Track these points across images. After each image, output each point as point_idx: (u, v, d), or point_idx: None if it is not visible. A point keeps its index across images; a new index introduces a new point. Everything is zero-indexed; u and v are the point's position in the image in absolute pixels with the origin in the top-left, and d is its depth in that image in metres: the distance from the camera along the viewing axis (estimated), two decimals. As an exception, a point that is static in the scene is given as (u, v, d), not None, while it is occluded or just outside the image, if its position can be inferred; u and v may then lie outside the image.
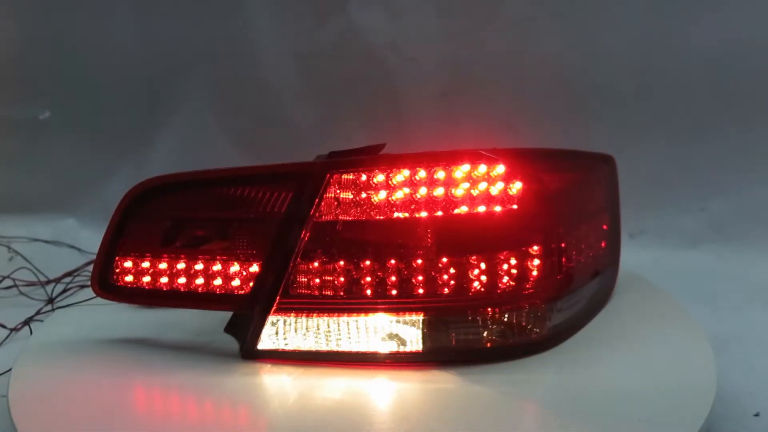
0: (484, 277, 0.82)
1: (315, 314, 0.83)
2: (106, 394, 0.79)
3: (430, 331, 0.83)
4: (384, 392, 0.79)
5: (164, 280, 0.86)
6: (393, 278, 0.82)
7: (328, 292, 0.82)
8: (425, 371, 0.81)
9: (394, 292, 0.82)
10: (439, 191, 0.80)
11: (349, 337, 0.83)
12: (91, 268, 0.89)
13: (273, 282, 0.82)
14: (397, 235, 0.81)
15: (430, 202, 0.80)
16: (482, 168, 0.80)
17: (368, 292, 0.82)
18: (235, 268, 0.84)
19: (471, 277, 0.82)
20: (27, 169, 1.67)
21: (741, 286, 1.27)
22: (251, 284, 0.83)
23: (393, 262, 0.81)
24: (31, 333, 1.05)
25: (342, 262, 0.82)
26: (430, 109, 1.47)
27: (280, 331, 0.84)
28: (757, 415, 0.88)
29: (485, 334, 0.84)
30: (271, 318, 0.83)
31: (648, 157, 1.40)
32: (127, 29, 1.55)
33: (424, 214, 0.80)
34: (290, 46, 1.50)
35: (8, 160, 1.66)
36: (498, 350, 0.84)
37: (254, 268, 0.83)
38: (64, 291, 1.23)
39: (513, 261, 0.82)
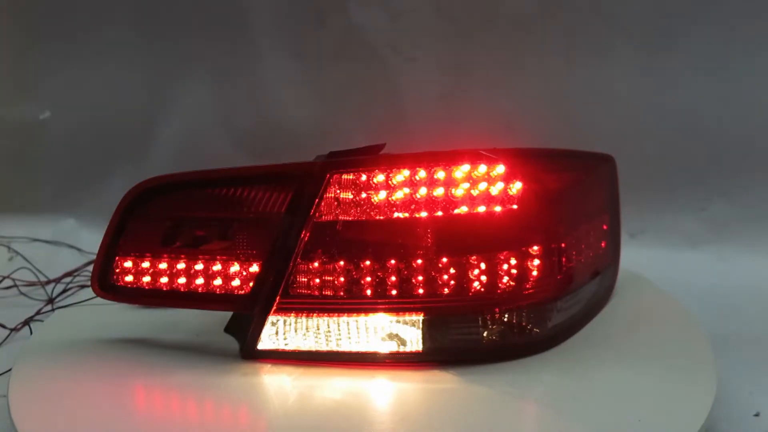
0: (484, 277, 0.82)
1: (315, 314, 0.83)
2: (106, 394, 0.79)
3: (430, 331, 0.82)
4: (384, 392, 0.79)
5: (164, 280, 0.86)
6: (393, 278, 0.82)
7: (328, 292, 0.82)
8: (425, 371, 0.81)
9: (394, 292, 0.82)
10: (439, 191, 0.80)
11: (349, 337, 0.83)
12: (91, 268, 0.89)
13: (273, 282, 0.82)
14: (397, 235, 0.81)
15: (430, 202, 0.80)
16: (482, 168, 0.80)
17: (368, 292, 0.82)
18: (235, 268, 0.84)
19: (471, 277, 0.82)
20: (27, 169, 1.67)
21: (741, 286, 1.27)
22: (251, 284, 0.83)
23: (393, 262, 0.81)
24: (31, 333, 1.05)
25: (342, 262, 0.82)
26: (430, 109, 1.47)
27: (280, 331, 0.84)
28: (757, 415, 0.88)
29: (485, 334, 0.83)
30: (271, 318, 0.83)
31: (648, 157, 1.40)
32: (126, 32, 1.55)
33: (424, 214, 0.80)
34: (290, 46, 1.50)
35: (8, 160, 1.66)
36: (498, 350, 0.84)
37: (254, 268, 0.83)
38: (64, 291, 1.23)
39: (513, 261, 0.82)
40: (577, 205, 0.91)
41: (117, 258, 0.86)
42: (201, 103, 1.57)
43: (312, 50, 1.49)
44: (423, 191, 0.80)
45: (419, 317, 0.82)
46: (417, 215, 0.80)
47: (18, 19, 1.59)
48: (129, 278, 0.86)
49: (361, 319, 0.83)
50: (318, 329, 0.83)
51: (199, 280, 0.85)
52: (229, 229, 0.85)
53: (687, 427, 0.70)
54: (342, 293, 0.82)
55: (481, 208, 0.80)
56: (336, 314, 0.83)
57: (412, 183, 0.80)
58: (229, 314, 0.87)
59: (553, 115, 1.42)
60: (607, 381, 0.79)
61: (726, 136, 1.38)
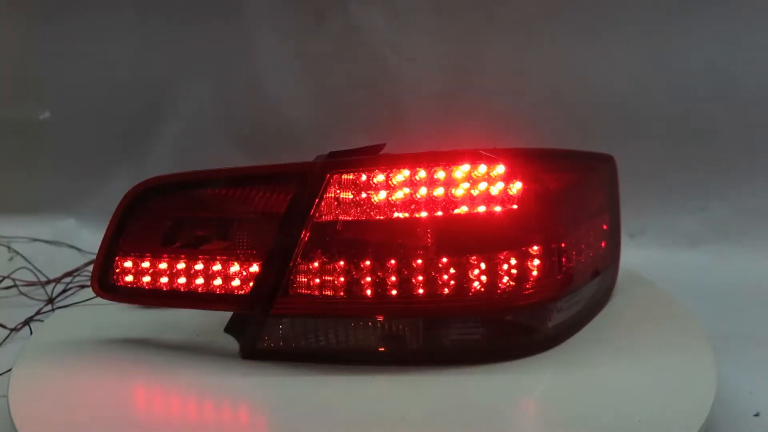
0: (484, 277, 0.82)
1: (315, 314, 0.83)
2: (106, 394, 0.79)
3: (430, 331, 0.82)
4: (384, 392, 0.79)
5: (164, 280, 0.86)
6: (393, 278, 0.82)
7: (328, 292, 0.82)
8: (425, 371, 0.81)
9: (394, 292, 0.82)
10: (439, 191, 0.80)
11: (349, 337, 0.83)
12: (91, 268, 0.89)
13: (273, 282, 0.82)
14: (397, 235, 0.81)
15: (430, 202, 0.80)
16: (482, 168, 0.80)
17: (368, 292, 0.82)
18: (235, 268, 0.84)
19: (471, 277, 0.82)
20: (27, 169, 1.67)
21: (741, 286, 1.27)
22: (251, 284, 0.83)
23: (393, 262, 0.81)
24: (31, 333, 1.05)
25: (342, 262, 0.82)
26: (430, 109, 1.47)
27: (280, 331, 0.84)
28: (757, 415, 0.88)
29: (485, 334, 0.83)
30: (271, 318, 0.83)
31: (648, 157, 1.40)
32: (127, 29, 1.55)
33: (424, 214, 0.80)
34: (290, 46, 1.50)
35: (8, 160, 1.66)
36: (498, 350, 0.84)
37: (254, 268, 0.83)
38: (64, 291, 1.23)
39: (513, 261, 0.82)
40: (577, 205, 0.91)
41: (117, 258, 0.86)
42: (201, 103, 1.57)
43: (312, 50, 1.49)
44: (423, 191, 0.80)
45: (419, 317, 0.82)
46: (417, 215, 0.80)
47: (17, 19, 1.59)
48: (129, 278, 0.86)
49: (361, 318, 0.83)
50: (318, 329, 0.83)
51: (199, 280, 0.85)
52: (229, 229, 0.85)
53: (687, 427, 0.70)
54: (342, 293, 0.82)
55: (481, 208, 0.80)
56: (336, 314, 0.83)
57: (412, 183, 0.80)
58: (229, 314, 0.87)
59: (553, 115, 1.42)
60: (607, 381, 0.79)
61: (726, 136, 1.38)
